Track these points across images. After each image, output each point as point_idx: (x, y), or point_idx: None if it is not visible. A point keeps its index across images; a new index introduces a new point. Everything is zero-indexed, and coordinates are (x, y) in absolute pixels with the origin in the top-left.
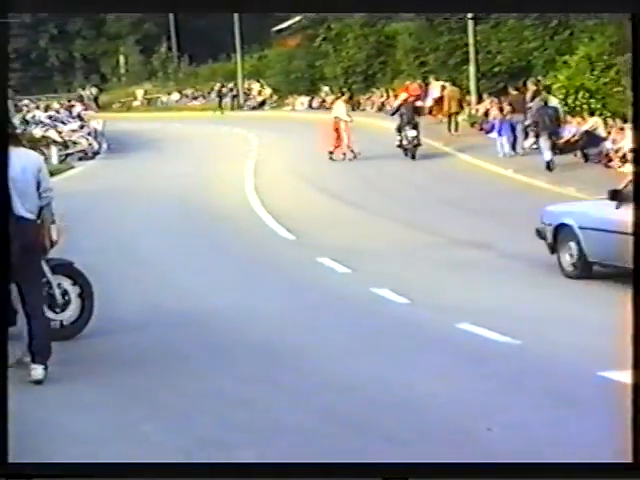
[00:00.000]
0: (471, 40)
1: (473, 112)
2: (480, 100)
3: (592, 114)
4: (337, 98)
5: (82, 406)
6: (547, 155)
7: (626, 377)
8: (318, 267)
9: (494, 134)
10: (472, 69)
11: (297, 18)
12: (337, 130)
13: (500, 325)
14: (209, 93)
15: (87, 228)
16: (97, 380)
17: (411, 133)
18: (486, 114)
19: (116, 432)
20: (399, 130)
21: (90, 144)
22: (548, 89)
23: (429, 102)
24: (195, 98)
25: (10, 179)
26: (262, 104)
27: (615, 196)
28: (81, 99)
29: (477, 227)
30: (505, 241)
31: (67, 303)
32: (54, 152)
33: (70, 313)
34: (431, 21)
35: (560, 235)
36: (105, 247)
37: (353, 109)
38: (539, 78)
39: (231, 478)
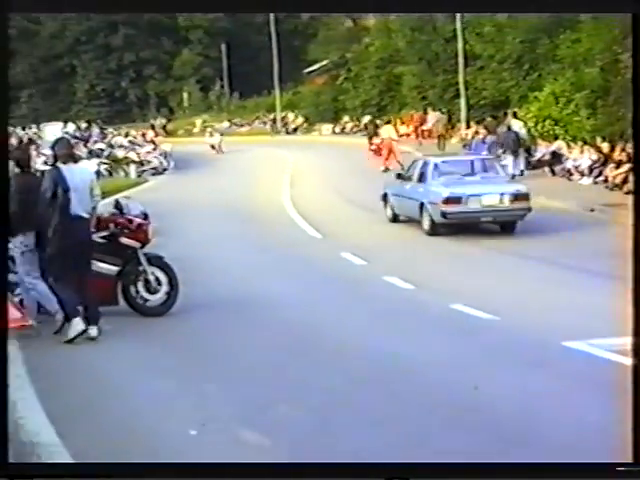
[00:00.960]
0: (461, 79)
1: (463, 136)
2: (468, 126)
3: (556, 138)
4: (386, 123)
5: (159, 369)
6: (512, 169)
7: (582, 345)
8: (341, 260)
9: None
10: (463, 102)
11: (324, 62)
12: (389, 148)
13: (484, 305)
14: (253, 122)
15: (161, 229)
16: (172, 347)
17: None
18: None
19: (183, 389)
20: None
21: (161, 162)
22: (514, 116)
23: (428, 126)
24: (242, 126)
25: (72, 188)
26: (295, 130)
27: (399, 177)
28: (153, 127)
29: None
30: (487, 238)
31: (159, 288)
32: (133, 169)
33: (161, 296)
34: (430, 64)
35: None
36: (173, 244)
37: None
38: (515, 110)
39: (231, 478)
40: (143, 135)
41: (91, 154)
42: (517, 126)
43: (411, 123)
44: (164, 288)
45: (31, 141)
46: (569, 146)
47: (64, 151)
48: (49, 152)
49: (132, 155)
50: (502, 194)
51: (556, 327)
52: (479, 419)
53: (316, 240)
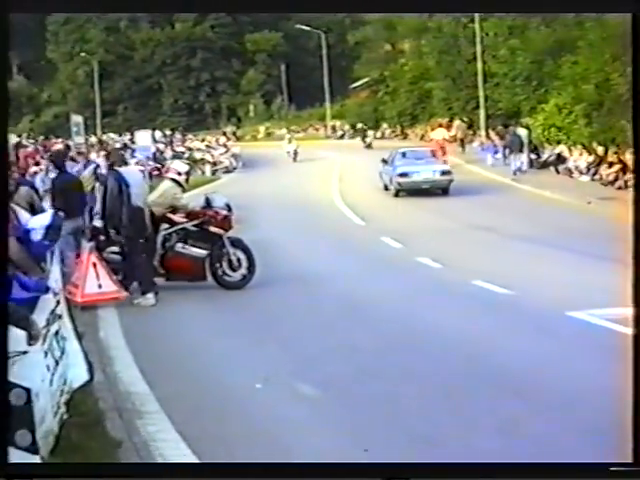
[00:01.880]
0: (481, 93)
1: (483, 140)
2: (487, 133)
3: (559, 143)
4: (439, 126)
5: (233, 333)
6: (513, 166)
7: (583, 315)
8: (381, 244)
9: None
10: (482, 112)
11: (366, 79)
12: (441, 147)
13: (501, 281)
14: (307, 129)
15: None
16: (244, 315)
17: None
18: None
19: (251, 350)
20: None
21: (231, 163)
22: (519, 124)
23: (452, 133)
24: (298, 132)
25: (131, 185)
26: (342, 136)
27: (384, 161)
28: (225, 133)
29: (484, 216)
30: (503, 226)
31: (240, 266)
32: (208, 168)
33: (242, 272)
34: (454, 80)
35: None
36: (245, 229)
37: (404, 138)
38: (520, 120)
39: (231, 478)
40: (216, 140)
41: (174, 156)
42: (521, 132)
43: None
44: (244, 266)
45: (125, 146)
46: (570, 149)
47: (117, 158)
48: (140, 155)
49: (207, 157)
50: (434, 171)
51: (560, 300)
52: (494, 372)
53: (360, 227)
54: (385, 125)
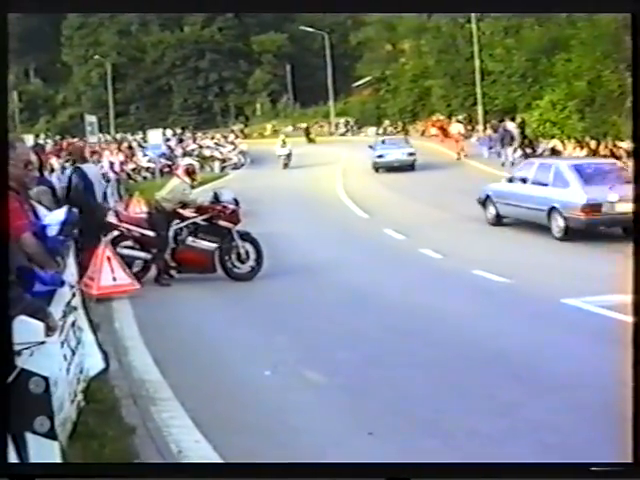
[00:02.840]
0: (478, 90)
1: (481, 135)
2: (485, 128)
3: (553, 137)
4: (457, 121)
5: (243, 323)
6: (503, 158)
7: (577, 302)
8: (384, 235)
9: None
10: (480, 108)
11: (368, 78)
12: (458, 141)
13: (499, 270)
14: (312, 126)
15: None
16: (249, 303)
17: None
18: None
19: (261, 339)
20: None
21: (239, 159)
22: (512, 119)
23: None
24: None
25: (93, 183)
26: (346, 132)
27: (370, 147)
28: (233, 131)
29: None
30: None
31: (248, 258)
32: (217, 165)
33: (250, 264)
34: (453, 78)
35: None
36: (253, 223)
37: (406, 134)
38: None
39: (231, 478)
40: (225, 138)
41: (185, 154)
42: (512, 127)
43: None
44: (252, 258)
45: (130, 147)
46: (563, 143)
47: (78, 155)
48: (151, 153)
49: (216, 154)
50: (403, 153)
51: (556, 287)
52: (493, 356)
53: (364, 219)
54: (387, 122)
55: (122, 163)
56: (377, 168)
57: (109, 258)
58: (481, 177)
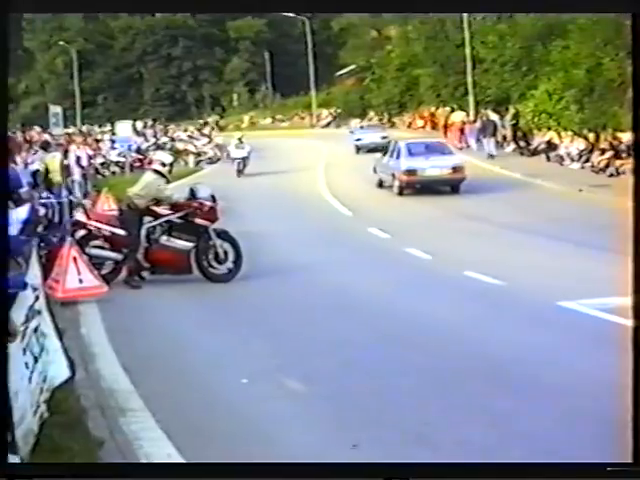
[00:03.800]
0: (469, 79)
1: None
2: (475, 120)
3: (549, 129)
4: (422, 116)
5: (218, 328)
6: (489, 150)
7: (573, 305)
8: (368, 234)
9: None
10: (471, 99)
11: (352, 66)
12: (461, 130)
13: (491, 272)
14: (292, 118)
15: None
16: (226, 306)
17: None
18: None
19: (237, 345)
20: None
21: (215, 154)
22: (506, 110)
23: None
24: (283, 121)
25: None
26: (328, 124)
27: (351, 132)
28: (207, 123)
29: (473, 205)
30: (493, 215)
31: (226, 259)
32: (191, 159)
33: (229, 265)
34: (443, 67)
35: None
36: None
37: (392, 126)
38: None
39: (231, 478)
40: (199, 130)
41: (157, 147)
42: (495, 117)
43: (425, 118)
44: (230, 258)
45: (98, 140)
46: (560, 136)
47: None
48: (120, 147)
49: (190, 147)
50: (378, 137)
51: (552, 289)
52: (486, 366)
53: (347, 217)
54: (372, 113)
55: (90, 157)
56: (358, 149)
57: (75, 258)
58: (472, 171)
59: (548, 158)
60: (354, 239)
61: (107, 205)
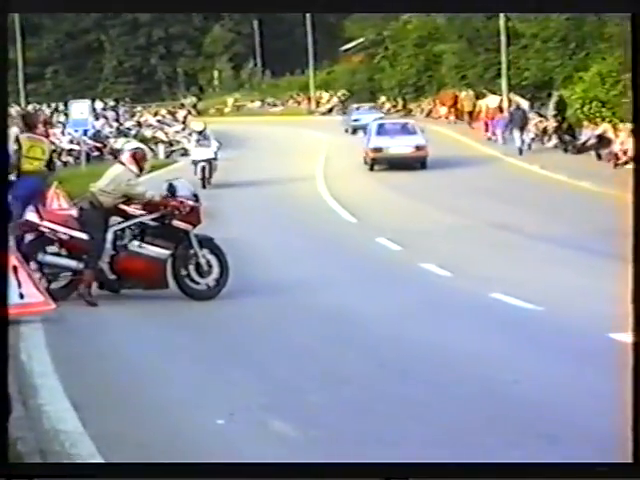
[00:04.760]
0: (504, 58)
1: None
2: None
3: (603, 120)
4: (493, 93)
5: (188, 356)
6: (517, 142)
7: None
8: (376, 245)
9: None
10: (504, 82)
11: (361, 40)
12: (493, 117)
13: (525, 294)
14: (286, 101)
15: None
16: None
17: None
18: None
19: (208, 378)
20: None
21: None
22: (548, 96)
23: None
24: (275, 105)
25: None
26: (330, 110)
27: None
28: (183, 106)
29: (505, 211)
30: (527, 224)
31: (210, 271)
32: (161, 149)
33: (212, 278)
34: (470, 42)
35: None
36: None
37: (406, 115)
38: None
39: (232, 478)
40: (172, 114)
41: (120, 133)
42: (525, 105)
43: (448, 103)
44: (215, 271)
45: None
46: (615, 129)
47: None
48: (73, 131)
49: (160, 135)
50: (374, 118)
51: (602, 318)
52: (519, 415)
53: (351, 225)
54: (383, 98)
55: None
56: (355, 129)
57: (15, 268)
58: (503, 170)
59: (599, 156)
60: (359, 251)
61: (57, 203)
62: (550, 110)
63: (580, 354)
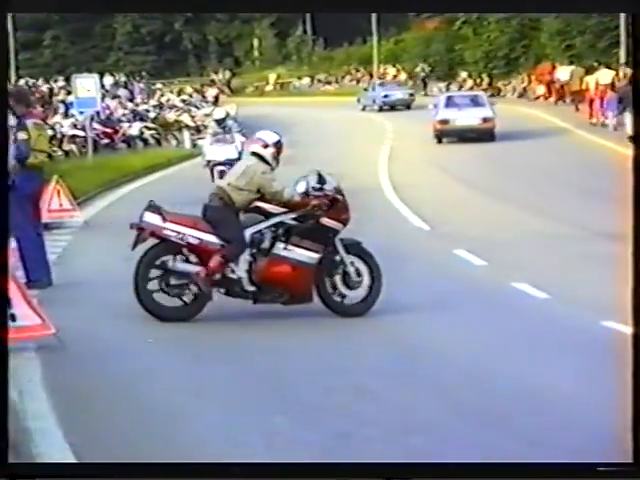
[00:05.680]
0: (622, 22)
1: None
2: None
3: None
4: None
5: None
6: (628, 129)
7: None
8: (454, 258)
9: None
10: (623, 53)
11: None
12: (602, 97)
13: None
14: (343, 78)
15: None
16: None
17: None
18: None
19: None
20: None
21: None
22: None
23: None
24: (328, 83)
25: None
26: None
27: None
28: (213, 83)
29: (610, 216)
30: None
31: (360, 282)
32: (187, 136)
33: (362, 291)
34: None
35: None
36: None
37: (492, 95)
38: None
39: (232, 478)
40: (200, 92)
41: (134, 116)
42: None
43: (546, 79)
44: (365, 281)
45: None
46: None
47: None
48: (78, 114)
49: (186, 118)
50: (403, 93)
51: None
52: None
53: (423, 232)
54: (464, 74)
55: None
56: (381, 106)
57: (4, 284)
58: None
59: None
60: (433, 265)
61: (57, 202)
62: None
63: None
